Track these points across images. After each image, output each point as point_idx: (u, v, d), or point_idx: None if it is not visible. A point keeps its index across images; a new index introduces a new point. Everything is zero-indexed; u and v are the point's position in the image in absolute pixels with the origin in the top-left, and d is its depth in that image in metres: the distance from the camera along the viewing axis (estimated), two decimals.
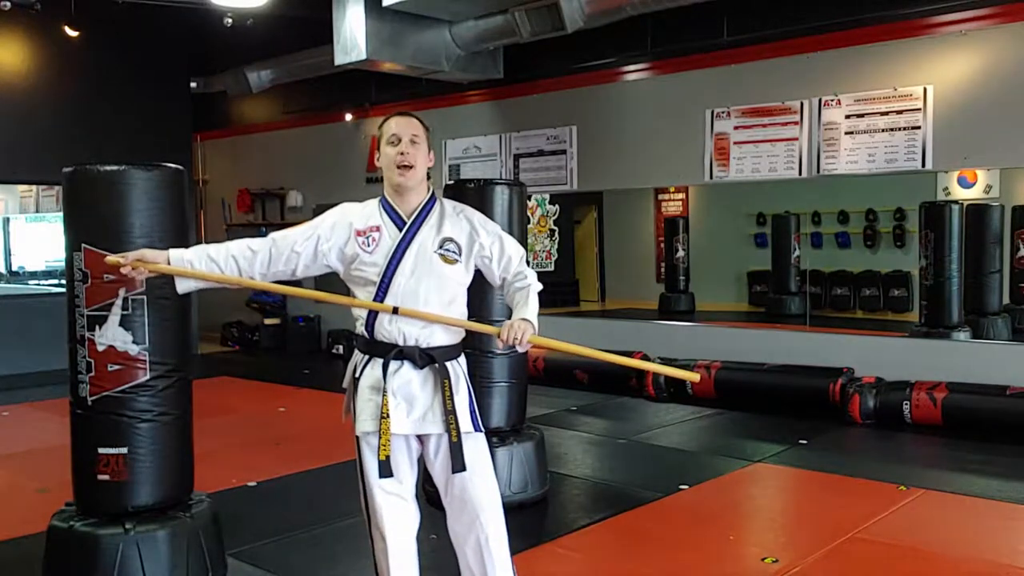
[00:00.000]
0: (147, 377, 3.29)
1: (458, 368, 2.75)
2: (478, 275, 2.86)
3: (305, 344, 10.84)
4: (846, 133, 6.89)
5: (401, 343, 2.67)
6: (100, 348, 3.25)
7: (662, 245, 11.87)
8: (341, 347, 10.30)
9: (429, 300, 2.67)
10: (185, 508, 3.45)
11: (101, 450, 3.27)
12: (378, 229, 2.72)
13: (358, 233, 2.71)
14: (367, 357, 2.72)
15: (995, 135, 6.27)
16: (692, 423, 6.56)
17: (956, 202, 7.41)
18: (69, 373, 3.36)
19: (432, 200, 2.78)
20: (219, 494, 4.31)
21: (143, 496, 3.32)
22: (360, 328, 2.73)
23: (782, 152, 7.24)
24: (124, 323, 3.25)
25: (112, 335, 3.25)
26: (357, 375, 2.73)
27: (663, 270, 11.81)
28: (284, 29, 9.48)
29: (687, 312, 11.04)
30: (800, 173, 7.18)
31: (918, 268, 7.44)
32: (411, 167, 2.70)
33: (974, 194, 8.74)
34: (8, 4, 8.02)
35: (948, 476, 5.04)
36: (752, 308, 11.04)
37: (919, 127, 6.57)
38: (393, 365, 2.67)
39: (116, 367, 3.26)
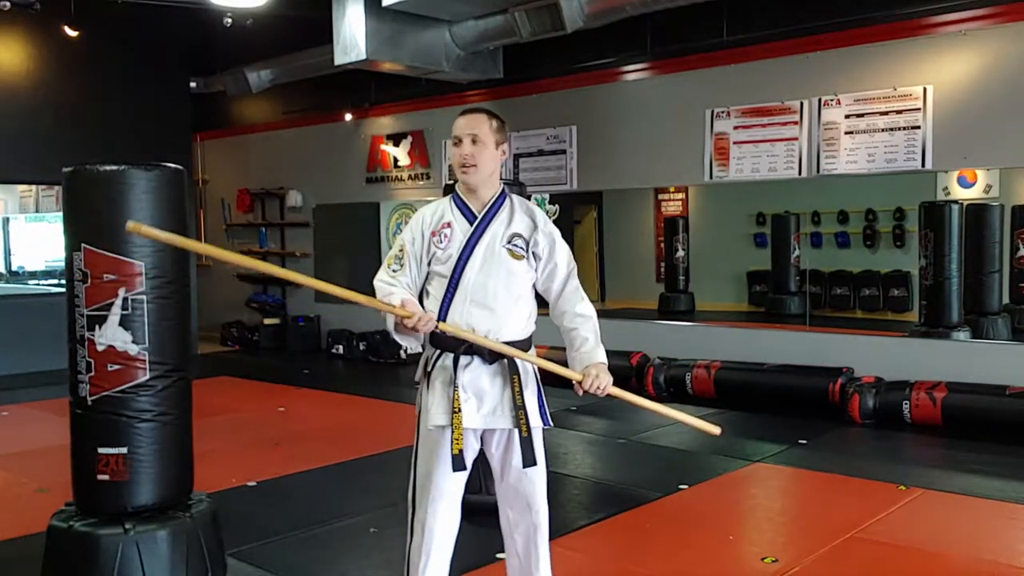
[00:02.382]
0: (147, 377, 3.29)
1: (527, 362, 2.77)
2: None
3: (305, 344, 10.84)
4: (846, 133, 6.89)
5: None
6: (100, 348, 3.25)
7: (662, 245, 11.87)
8: (341, 347, 10.31)
9: (498, 294, 2.71)
10: (185, 508, 3.45)
11: (101, 450, 3.27)
12: (449, 225, 2.76)
13: (433, 234, 2.76)
14: (438, 352, 2.75)
15: (995, 135, 6.27)
16: None
17: (956, 202, 7.41)
18: (69, 373, 3.36)
19: (503, 195, 2.81)
20: (219, 494, 4.31)
21: (143, 496, 3.31)
22: None
23: (782, 152, 7.24)
24: (124, 323, 3.25)
25: (112, 335, 3.24)
26: (429, 369, 2.76)
27: (663, 270, 11.81)
28: (284, 29, 9.48)
29: (687, 312, 11.03)
30: (800, 173, 7.18)
31: (918, 268, 7.43)
32: (474, 166, 2.74)
33: (974, 194, 8.74)
34: (8, 4, 8.02)
35: (948, 476, 5.03)
36: (752, 308, 11.04)
37: (919, 127, 6.57)
38: (463, 360, 2.70)
39: (116, 367, 3.26)
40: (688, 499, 4.72)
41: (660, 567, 3.76)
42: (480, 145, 2.73)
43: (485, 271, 2.71)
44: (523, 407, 2.68)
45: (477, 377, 2.71)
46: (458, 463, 2.67)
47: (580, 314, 2.81)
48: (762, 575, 3.66)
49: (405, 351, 9.48)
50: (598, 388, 2.67)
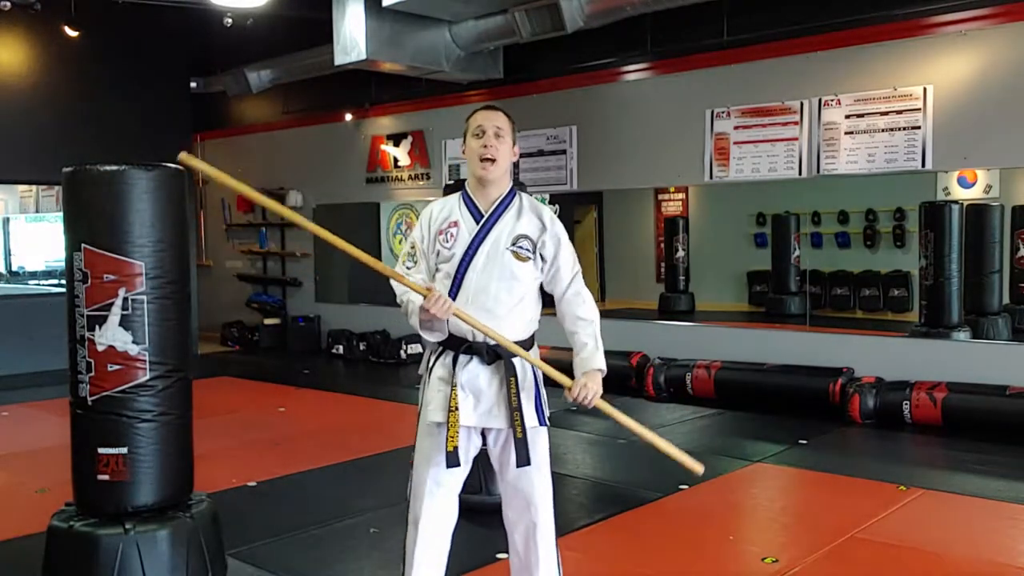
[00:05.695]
0: (147, 377, 3.29)
1: (526, 363, 2.77)
2: None
3: (305, 344, 10.84)
4: (846, 133, 6.89)
5: (471, 338, 2.71)
6: (100, 348, 3.25)
7: (662, 245, 11.87)
8: (341, 347, 10.31)
9: (500, 297, 2.71)
10: (185, 508, 3.45)
11: (101, 450, 3.27)
12: (455, 224, 2.77)
13: (439, 233, 2.77)
14: (440, 350, 2.78)
15: (995, 135, 6.27)
16: (692, 423, 6.56)
17: (956, 202, 7.41)
18: (69, 373, 3.36)
19: (512, 193, 2.82)
20: (219, 494, 4.31)
21: (143, 496, 3.31)
22: None
23: (782, 152, 7.24)
24: (124, 323, 3.25)
25: (112, 335, 3.24)
26: (430, 366, 2.79)
27: (663, 270, 11.81)
28: (284, 29, 9.49)
29: (687, 312, 11.04)
30: (800, 173, 7.18)
31: (918, 268, 7.43)
32: (494, 160, 2.74)
33: (974, 194, 8.74)
34: (8, 4, 8.03)
35: (948, 476, 5.04)
36: (752, 308, 11.04)
37: (919, 127, 6.57)
38: (462, 359, 2.72)
39: (116, 367, 3.25)
40: (688, 499, 4.71)
41: (660, 567, 3.76)
42: (502, 139, 2.75)
43: (488, 273, 2.71)
44: (519, 409, 2.69)
45: (475, 376, 2.72)
46: (452, 459, 2.69)
47: (581, 318, 2.81)
48: (762, 575, 3.66)
49: (405, 351, 9.58)
50: (585, 398, 2.69)
